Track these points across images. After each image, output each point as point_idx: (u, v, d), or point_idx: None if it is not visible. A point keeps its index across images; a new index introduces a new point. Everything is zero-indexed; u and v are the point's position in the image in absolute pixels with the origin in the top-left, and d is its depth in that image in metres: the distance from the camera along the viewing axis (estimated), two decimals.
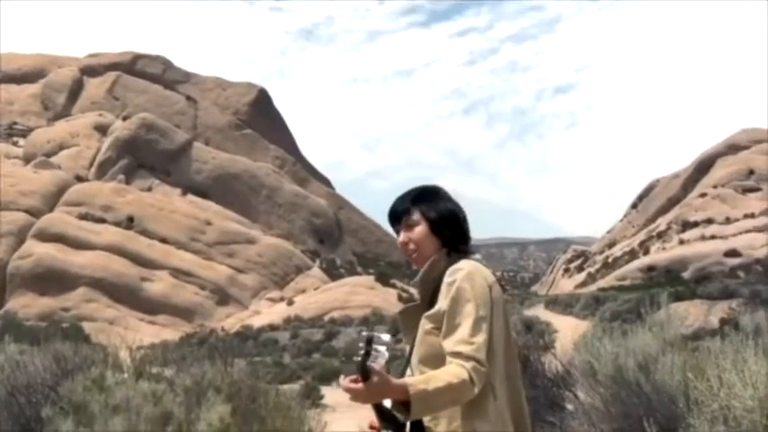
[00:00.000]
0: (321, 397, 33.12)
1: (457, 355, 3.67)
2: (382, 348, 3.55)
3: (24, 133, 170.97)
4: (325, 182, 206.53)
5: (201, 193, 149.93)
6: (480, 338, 3.71)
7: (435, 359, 3.79)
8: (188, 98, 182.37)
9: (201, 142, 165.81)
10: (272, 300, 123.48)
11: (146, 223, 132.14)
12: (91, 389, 9.85)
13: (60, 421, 9.44)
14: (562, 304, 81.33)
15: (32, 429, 9.87)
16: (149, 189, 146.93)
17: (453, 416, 3.76)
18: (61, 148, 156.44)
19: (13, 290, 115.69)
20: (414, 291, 4.47)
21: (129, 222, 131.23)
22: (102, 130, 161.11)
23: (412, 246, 4.10)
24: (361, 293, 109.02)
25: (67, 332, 68.56)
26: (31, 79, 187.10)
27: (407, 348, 4.08)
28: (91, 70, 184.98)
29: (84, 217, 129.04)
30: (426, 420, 3.78)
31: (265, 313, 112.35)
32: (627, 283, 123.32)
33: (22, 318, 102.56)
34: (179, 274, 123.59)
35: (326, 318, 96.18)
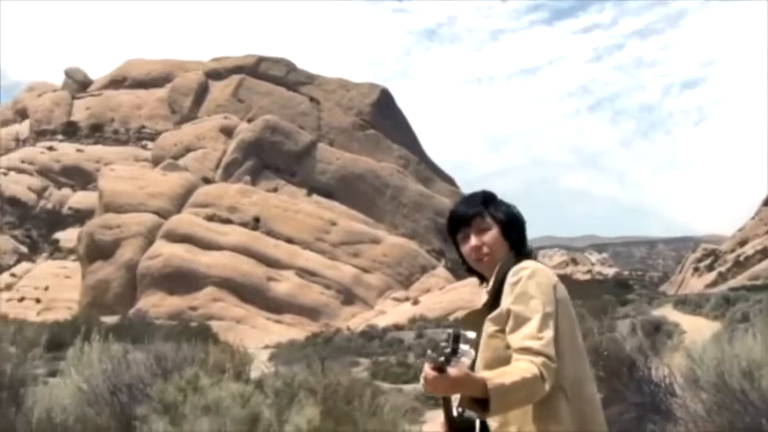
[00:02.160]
0: None
1: (525, 350, 3.62)
2: (466, 347, 3.53)
3: (152, 137, 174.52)
4: (450, 181, 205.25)
5: (326, 193, 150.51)
6: (548, 334, 3.66)
7: (500, 363, 3.69)
8: (311, 99, 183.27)
9: (325, 143, 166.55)
10: (398, 299, 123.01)
11: (271, 224, 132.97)
12: (185, 389, 10.10)
13: (155, 420, 9.73)
14: (691, 304, 78.49)
15: (133, 427, 10.14)
16: (275, 190, 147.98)
17: (524, 419, 3.69)
18: (188, 150, 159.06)
19: (144, 289, 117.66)
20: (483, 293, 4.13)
21: (255, 223, 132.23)
22: (227, 132, 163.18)
23: (486, 249, 4.04)
24: None
25: (195, 331, 68.62)
26: (158, 84, 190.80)
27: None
28: (215, 74, 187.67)
29: (211, 218, 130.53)
30: (494, 426, 3.71)
31: (390, 313, 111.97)
32: (759, 282, 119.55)
33: (152, 316, 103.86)
34: (305, 273, 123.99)
35: (451, 317, 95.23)
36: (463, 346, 3.49)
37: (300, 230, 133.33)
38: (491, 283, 3.99)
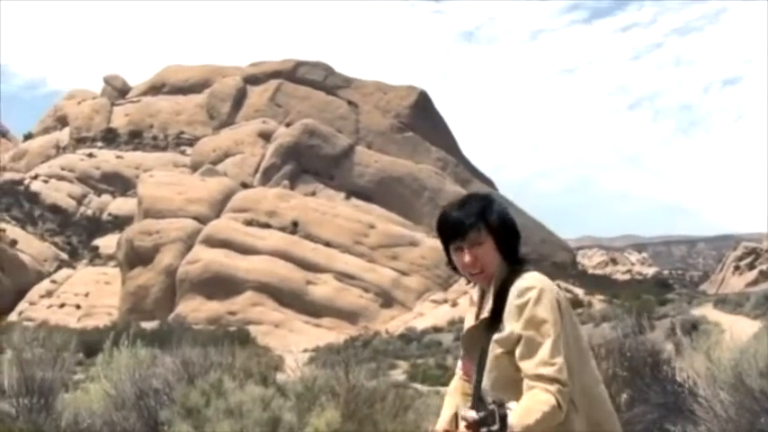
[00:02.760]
0: None
1: (539, 377, 3.69)
2: (507, 413, 3.66)
3: (191, 142, 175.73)
4: (489, 183, 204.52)
5: (365, 196, 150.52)
6: (561, 359, 3.71)
7: (507, 384, 3.81)
8: (349, 103, 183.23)
9: (363, 146, 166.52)
10: (436, 302, 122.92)
11: (310, 228, 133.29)
12: (208, 393, 10.34)
13: (179, 424, 9.97)
14: (731, 303, 78.06)
15: (159, 431, 10.41)
16: (313, 194, 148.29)
17: None
18: (226, 155, 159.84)
19: (183, 294, 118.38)
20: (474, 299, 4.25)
21: (293, 227, 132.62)
22: (265, 137, 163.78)
23: (479, 266, 4.04)
24: None
25: (234, 336, 68.99)
26: (196, 90, 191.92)
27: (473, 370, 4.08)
28: (253, 79, 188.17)
29: (249, 223, 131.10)
30: None
31: (429, 315, 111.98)
32: None
33: (191, 322, 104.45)
34: (343, 277, 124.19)
35: None
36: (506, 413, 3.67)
37: (339, 234, 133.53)
38: (489, 300, 4.00)
